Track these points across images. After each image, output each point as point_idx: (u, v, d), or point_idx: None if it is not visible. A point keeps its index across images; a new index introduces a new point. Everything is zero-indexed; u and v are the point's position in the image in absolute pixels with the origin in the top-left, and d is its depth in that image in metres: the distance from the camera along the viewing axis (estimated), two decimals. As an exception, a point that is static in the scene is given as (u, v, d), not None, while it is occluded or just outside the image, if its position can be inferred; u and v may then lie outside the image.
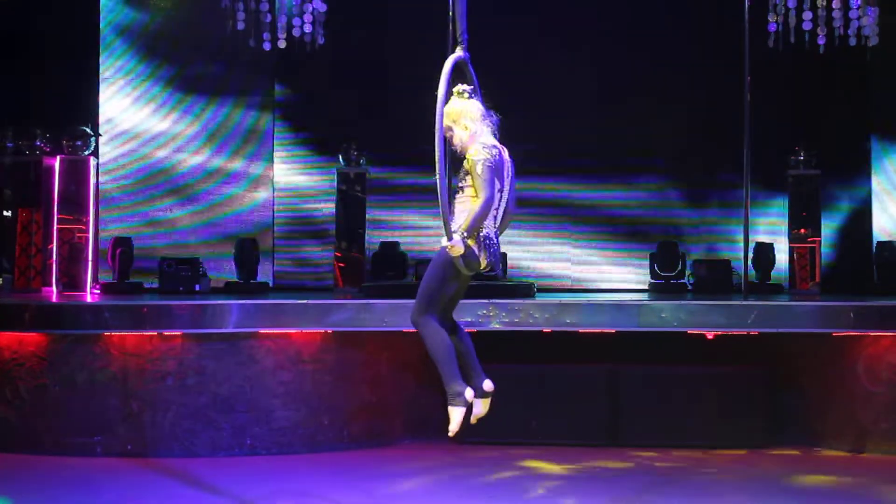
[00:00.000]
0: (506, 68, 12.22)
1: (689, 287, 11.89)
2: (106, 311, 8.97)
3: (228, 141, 12.43)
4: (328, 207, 12.28)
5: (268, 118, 12.60)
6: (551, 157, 12.29)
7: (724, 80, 11.54)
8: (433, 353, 5.88)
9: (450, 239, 5.60)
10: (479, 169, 5.65)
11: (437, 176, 5.52)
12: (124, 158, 12.22)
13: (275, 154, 12.67)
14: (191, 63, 12.27)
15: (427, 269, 5.88)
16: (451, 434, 5.80)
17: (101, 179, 11.79)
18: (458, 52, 5.85)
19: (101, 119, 12.06)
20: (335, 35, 12.06)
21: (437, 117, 5.59)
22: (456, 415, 5.79)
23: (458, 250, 5.62)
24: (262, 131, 12.58)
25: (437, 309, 5.87)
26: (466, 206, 5.72)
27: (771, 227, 12.27)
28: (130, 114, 12.24)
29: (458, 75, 5.85)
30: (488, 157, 5.69)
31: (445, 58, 5.85)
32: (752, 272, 11.40)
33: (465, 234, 5.63)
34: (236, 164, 12.47)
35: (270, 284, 12.18)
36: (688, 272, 11.98)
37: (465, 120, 5.82)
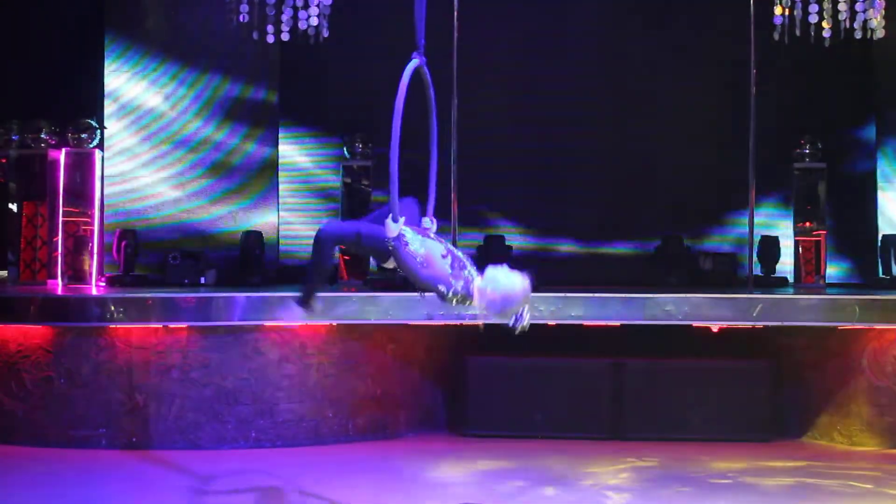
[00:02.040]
0: (508, 65, 12.31)
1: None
2: (111, 304, 8.97)
3: (232, 132, 12.42)
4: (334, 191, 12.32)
5: (272, 111, 12.61)
6: (551, 145, 12.32)
7: (729, 73, 11.54)
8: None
9: (395, 220, 5.82)
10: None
11: (390, 175, 5.76)
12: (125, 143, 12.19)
13: (279, 149, 12.67)
14: (194, 57, 12.26)
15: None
16: None
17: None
18: (415, 61, 6.00)
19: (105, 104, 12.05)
20: (340, 28, 12.05)
21: (394, 120, 5.75)
22: None
23: (392, 233, 5.82)
24: (266, 126, 12.58)
25: None
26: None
27: (776, 221, 12.28)
28: (133, 101, 12.21)
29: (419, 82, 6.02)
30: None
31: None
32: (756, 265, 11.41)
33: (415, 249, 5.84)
34: (240, 154, 12.46)
35: (274, 276, 12.19)
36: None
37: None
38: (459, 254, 5.99)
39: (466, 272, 5.90)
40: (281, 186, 12.67)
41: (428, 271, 5.85)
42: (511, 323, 5.83)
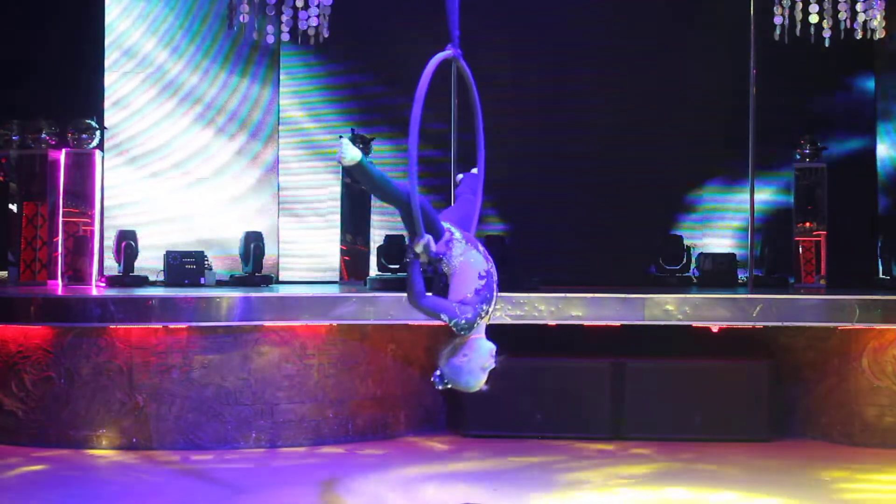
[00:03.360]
0: (505, 54, 12.30)
1: (694, 280, 11.89)
2: (111, 304, 8.97)
3: (232, 129, 12.43)
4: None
5: (273, 112, 12.60)
6: (552, 146, 12.31)
7: (730, 72, 11.54)
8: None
9: (421, 238, 5.41)
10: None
11: (409, 179, 5.39)
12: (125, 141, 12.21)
13: (280, 151, 12.66)
14: (196, 62, 12.28)
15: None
16: None
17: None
18: (447, 51, 5.71)
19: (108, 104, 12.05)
20: (341, 28, 12.06)
21: (413, 115, 5.39)
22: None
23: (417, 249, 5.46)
24: (268, 127, 12.58)
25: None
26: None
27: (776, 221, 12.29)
28: (133, 100, 12.22)
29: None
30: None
31: (446, 55, 5.81)
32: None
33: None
34: (242, 158, 12.48)
35: (275, 278, 12.19)
36: (693, 265, 12.00)
37: None
38: (495, 284, 5.58)
39: (487, 306, 5.52)
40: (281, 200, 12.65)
41: (452, 283, 5.49)
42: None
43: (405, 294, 5.52)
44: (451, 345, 5.62)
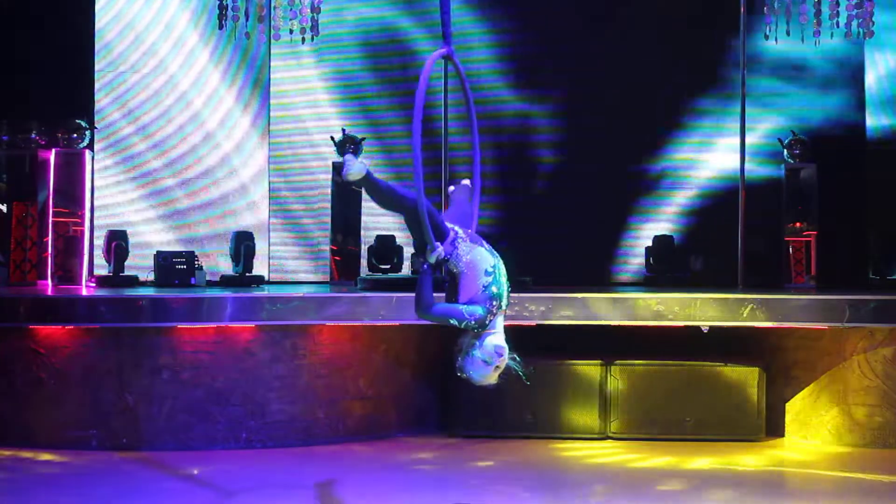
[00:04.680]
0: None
1: (685, 280, 11.90)
2: (101, 305, 8.96)
3: (226, 128, 12.44)
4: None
5: (263, 113, 12.59)
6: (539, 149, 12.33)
7: (722, 72, 11.57)
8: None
9: (434, 249, 5.57)
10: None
11: (414, 180, 5.47)
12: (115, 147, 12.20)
13: (270, 152, 12.65)
14: (191, 65, 12.30)
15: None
16: None
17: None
18: (441, 49, 5.81)
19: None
20: (333, 27, 12.07)
21: (415, 114, 5.50)
22: None
23: (431, 261, 5.62)
24: (259, 129, 12.57)
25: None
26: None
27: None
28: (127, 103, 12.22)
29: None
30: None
31: (441, 53, 5.85)
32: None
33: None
34: (235, 158, 12.48)
35: (266, 278, 12.18)
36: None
37: None
38: (504, 278, 5.66)
39: (497, 301, 5.60)
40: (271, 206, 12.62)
41: (462, 283, 5.59)
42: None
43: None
44: (469, 335, 5.72)
